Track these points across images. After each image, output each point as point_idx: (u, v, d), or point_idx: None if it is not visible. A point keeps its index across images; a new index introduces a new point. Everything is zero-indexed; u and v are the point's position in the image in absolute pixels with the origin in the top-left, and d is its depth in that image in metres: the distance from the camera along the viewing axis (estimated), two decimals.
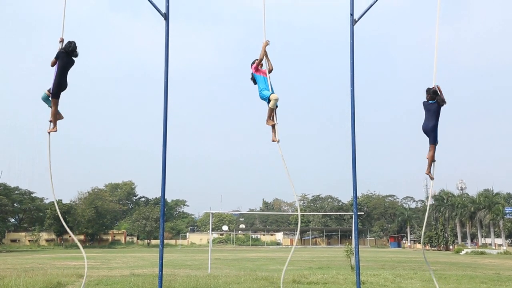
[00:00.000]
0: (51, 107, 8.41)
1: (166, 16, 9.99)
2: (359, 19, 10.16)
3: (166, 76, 9.80)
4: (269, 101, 9.10)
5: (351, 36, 10.12)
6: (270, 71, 9.40)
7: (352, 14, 10.18)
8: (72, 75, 8.54)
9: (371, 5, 9.85)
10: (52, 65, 8.34)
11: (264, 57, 9.35)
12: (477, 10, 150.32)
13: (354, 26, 10.14)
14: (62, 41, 8.53)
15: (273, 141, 9.12)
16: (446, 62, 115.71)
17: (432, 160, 9.30)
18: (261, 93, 9.21)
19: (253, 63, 9.47)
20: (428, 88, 9.33)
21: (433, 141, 9.28)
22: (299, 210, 10.55)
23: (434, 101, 9.27)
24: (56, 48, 8.56)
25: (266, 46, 9.28)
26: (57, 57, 8.36)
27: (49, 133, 8.41)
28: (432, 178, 9.45)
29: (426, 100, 9.38)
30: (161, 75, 9.78)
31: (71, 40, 8.54)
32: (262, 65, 9.40)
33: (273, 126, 9.17)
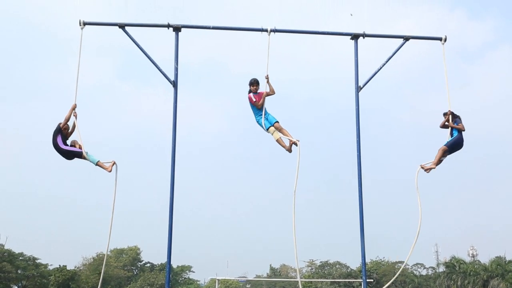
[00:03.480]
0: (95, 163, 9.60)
1: (174, 84, 10.23)
2: (364, 85, 10.39)
3: (173, 141, 9.91)
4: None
5: (356, 102, 10.32)
6: (271, 94, 9.62)
7: (357, 81, 10.42)
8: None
9: (375, 73, 10.11)
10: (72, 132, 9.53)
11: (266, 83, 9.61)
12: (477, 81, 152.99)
13: (359, 93, 10.36)
14: (75, 107, 9.25)
15: (289, 150, 9.43)
16: None
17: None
18: (258, 121, 9.62)
19: (250, 84, 9.71)
20: (445, 112, 10.02)
21: None
22: None
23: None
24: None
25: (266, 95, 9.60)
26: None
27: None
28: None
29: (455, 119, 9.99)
30: (169, 141, 9.90)
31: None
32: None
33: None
